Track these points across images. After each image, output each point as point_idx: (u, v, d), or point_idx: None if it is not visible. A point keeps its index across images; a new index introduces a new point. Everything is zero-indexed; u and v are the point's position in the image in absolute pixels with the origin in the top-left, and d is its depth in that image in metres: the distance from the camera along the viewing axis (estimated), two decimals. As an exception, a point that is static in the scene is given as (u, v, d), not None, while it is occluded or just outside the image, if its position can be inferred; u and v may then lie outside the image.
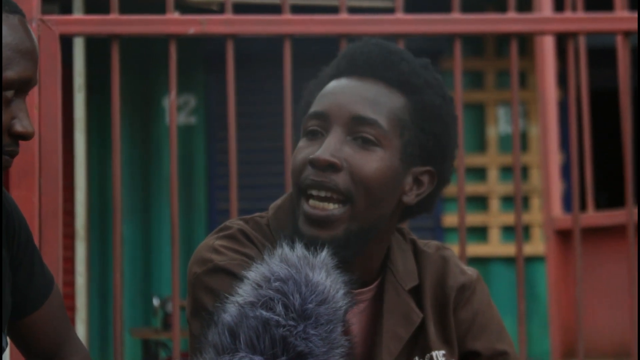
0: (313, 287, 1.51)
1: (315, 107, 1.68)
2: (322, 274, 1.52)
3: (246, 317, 1.49)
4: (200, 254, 1.66)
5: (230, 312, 1.50)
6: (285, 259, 1.53)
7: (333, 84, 1.69)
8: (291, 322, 1.48)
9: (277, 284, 1.51)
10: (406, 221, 1.80)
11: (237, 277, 1.56)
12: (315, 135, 1.66)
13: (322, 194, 1.62)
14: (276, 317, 1.48)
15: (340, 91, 1.67)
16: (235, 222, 1.72)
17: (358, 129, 1.64)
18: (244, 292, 1.52)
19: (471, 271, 1.80)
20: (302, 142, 1.68)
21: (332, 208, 1.62)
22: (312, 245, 1.59)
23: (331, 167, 1.62)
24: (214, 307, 1.54)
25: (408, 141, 1.66)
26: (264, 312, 1.48)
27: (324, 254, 1.56)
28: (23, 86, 1.53)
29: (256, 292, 1.51)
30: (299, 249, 1.55)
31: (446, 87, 1.72)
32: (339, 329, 1.52)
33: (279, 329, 1.48)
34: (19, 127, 1.53)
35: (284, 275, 1.51)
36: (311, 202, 1.63)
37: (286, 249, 1.55)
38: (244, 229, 1.69)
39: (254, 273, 1.53)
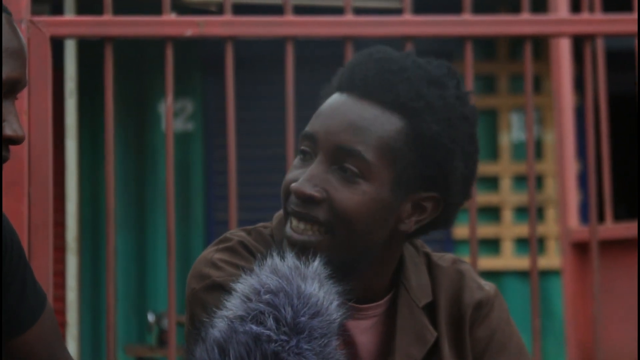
0: (305, 299, 1.50)
1: (308, 127, 1.67)
2: (315, 284, 1.52)
3: (236, 332, 1.48)
4: (198, 269, 1.66)
5: (219, 327, 1.50)
6: (276, 270, 1.53)
7: (330, 101, 1.67)
8: (283, 337, 1.48)
9: (267, 296, 1.50)
10: (419, 237, 1.79)
11: (233, 290, 1.56)
12: (307, 156, 1.67)
13: (302, 225, 1.63)
14: (267, 332, 1.48)
15: (333, 113, 1.65)
16: (236, 233, 1.72)
17: (342, 159, 1.62)
18: (233, 306, 1.51)
19: (489, 286, 1.78)
20: (296, 160, 1.68)
21: (310, 234, 1.62)
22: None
23: (310, 199, 1.62)
24: (201, 323, 1.54)
25: (403, 169, 1.63)
26: (254, 327, 1.48)
27: (317, 264, 1.55)
28: (11, 88, 1.53)
29: (245, 305, 1.50)
30: (290, 258, 1.54)
31: (459, 105, 1.66)
32: (334, 342, 1.51)
33: (271, 344, 1.47)
34: (8, 130, 1.52)
35: (275, 287, 1.51)
36: (293, 224, 1.64)
37: (276, 259, 1.54)
38: (245, 241, 1.69)
39: (243, 285, 1.53)
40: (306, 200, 1.62)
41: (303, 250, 1.61)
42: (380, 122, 1.63)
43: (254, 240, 1.70)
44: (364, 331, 1.71)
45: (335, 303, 1.53)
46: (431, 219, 1.68)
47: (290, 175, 1.66)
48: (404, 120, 1.63)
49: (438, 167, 1.64)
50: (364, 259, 1.65)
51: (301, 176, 1.63)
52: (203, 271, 1.65)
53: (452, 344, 1.74)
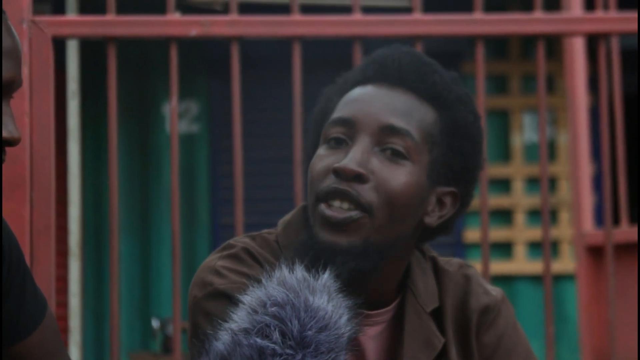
0: (313, 312, 1.50)
1: (340, 113, 1.67)
2: (324, 298, 1.52)
3: (240, 346, 1.48)
4: (200, 276, 1.66)
5: (223, 339, 1.49)
6: (283, 282, 1.52)
7: (359, 91, 1.69)
8: (289, 351, 1.47)
9: (273, 309, 1.50)
10: (425, 243, 1.80)
11: (239, 302, 1.55)
12: (339, 143, 1.66)
13: (345, 205, 1.62)
14: (272, 345, 1.47)
15: (369, 98, 1.67)
16: (240, 239, 1.72)
17: (387, 139, 1.64)
18: (238, 318, 1.51)
19: (495, 291, 1.79)
20: (323, 150, 1.67)
21: (352, 212, 1.62)
22: (329, 253, 1.58)
23: (357, 177, 1.62)
24: (205, 335, 1.54)
25: (436, 158, 1.67)
26: (259, 340, 1.47)
27: (326, 276, 1.55)
28: (6, 88, 1.53)
29: (251, 317, 1.50)
30: (299, 271, 1.54)
31: (475, 104, 1.73)
32: (342, 357, 1.51)
33: (276, 358, 1.47)
34: (4, 132, 1.52)
35: (282, 299, 1.50)
36: (335, 205, 1.63)
37: (285, 270, 1.54)
38: (249, 248, 1.69)
39: (250, 297, 1.52)
40: (352, 179, 1.61)
41: (343, 228, 1.61)
42: (418, 108, 1.67)
43: (258, 247, 1.70)
44: (372, 338, 1.71)
45: (344, 317, 1.52)
46: (449, 216, 1.70)
47: (323, 162, 1.65)
48: (437, 111, 1.68)
49: (464, 160, 1.69)
50: (392, 249, 1.66)
51: (340, 160, 1.63)
52: (206, 279, 1.65)
53: (459, 350, 1.74)
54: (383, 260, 1.66)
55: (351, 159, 1.62)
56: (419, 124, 1.65)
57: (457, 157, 1.68)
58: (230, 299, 1.59)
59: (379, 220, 1.62)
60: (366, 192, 1.62)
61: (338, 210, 1.62)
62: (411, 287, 1.73)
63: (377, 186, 1.62)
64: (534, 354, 1.78)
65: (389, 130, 1.64)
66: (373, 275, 1.66)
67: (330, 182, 1.63)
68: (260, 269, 1.64)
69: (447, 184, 1.69)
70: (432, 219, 1.69)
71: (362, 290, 1.61)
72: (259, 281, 1.56)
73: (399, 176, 1.63)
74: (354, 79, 1.72)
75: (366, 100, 1.67)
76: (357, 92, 1.69)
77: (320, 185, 1.64)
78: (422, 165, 1.65)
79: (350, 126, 1.65)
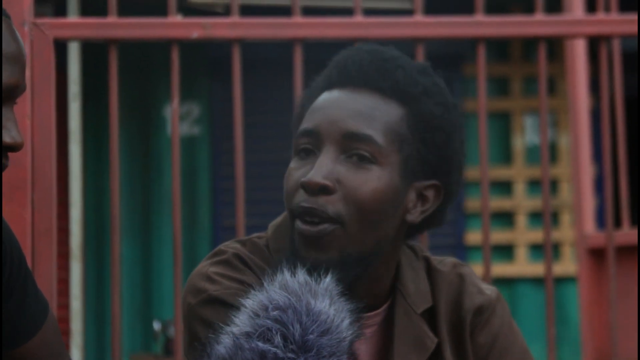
0: (315, 316, 1.50)
1: (305, 124, 1.67)
2: (325, 301, 1.52)
3: (241, 349, 1.48)
4: (194, 283, 1.66)
5: (224, 343, 1.49)
6: (285, 286, 1.52)
7: (324, 97, 1.68)
8: (290, 355, 1.47)
9: (275, 312, 1.50)
10: (415, 238, 1.79)
11: (233, 307, 1.56)
12: (308, 154, 1.66)
13: (316, 220, 1.62)
14: (274, 349, 1.47)
15: (332, 105, 1.66)
16: (230, 245, 1.72)
17: (352, 146, 1.63)
18: (240, 322, 1.51)
19: (490, 290, 1.78)
20: (293, 162, 1.67)
21: (325, 225, 1.62)
22: (310, 267, 1.58)
23: (323, 190, 1.61)
24: (207, 339, 1.54)
25: (408, 155, 1.65)
26: (261, 344, 1.48)
27: (328, 280, 1.55)
28: (10, 93, 1.53)
29: (253, 321, 1.50)
30: (301, 274, 1.54)
31: (449, 93, 1.71)
32: None
33: None
34: (7, 138, 1.52)
35: (284, 303, 1.50)
36: (306, 220, 1.63)
37: (286, 274, 1.54)
38: (240, 253, 1.69)
39: (251, 301, 1.53)
40: (317, 192, 1.61)
41: (318, 243, 1.61)
42: (382, 108, 1.65)
43: (249, 252, 1.70)
44: (364, 341, 1.70)
45: (346, 321, 1.52)
46: (433, 209, 1.69)
47: (293, 176, 1.66)
48: (404, 107, 1.66)
49: (439, 151, 1.67)
50: (375, 255, 1.65)
51: (307, 172, 1.63)
52: (199, 285, 1.65)
53: (453, 350, 1.74)
54: (369, 266, 1.65)
55: (316, 171, 1.61)
56: (383, 125, 1.64)
57: (431, 150, 1.67)
58: (225, 305, 1.59)
59: (352, 230, 1.62)
60: (333, 204, 1.61)
61: (311, 224, 1.62)
62: (400, 288, 1.73)
63: (345, 196, 1.62)
64: (530, 353, 1.78)
65: (352, 137, 1.63)
66: (361, 282, 1.66)
67: (300, 198, 1.63)
68: (252, 275, 1.64)
69: (426, 177, 1.68)
70: (414, 216, 1.68)
71: (352, 295, 1.61)
72: (250, 286, 1.57)
73: (367, 183, 1.62)
74: (322, 84, 1.72)
75: (329, 108, 1.66)
76: (322, 98, 1.68)
77: (292, 202, 1.65)
78: (392, 166, 1.64)
79: (316, 136, 1.65)
